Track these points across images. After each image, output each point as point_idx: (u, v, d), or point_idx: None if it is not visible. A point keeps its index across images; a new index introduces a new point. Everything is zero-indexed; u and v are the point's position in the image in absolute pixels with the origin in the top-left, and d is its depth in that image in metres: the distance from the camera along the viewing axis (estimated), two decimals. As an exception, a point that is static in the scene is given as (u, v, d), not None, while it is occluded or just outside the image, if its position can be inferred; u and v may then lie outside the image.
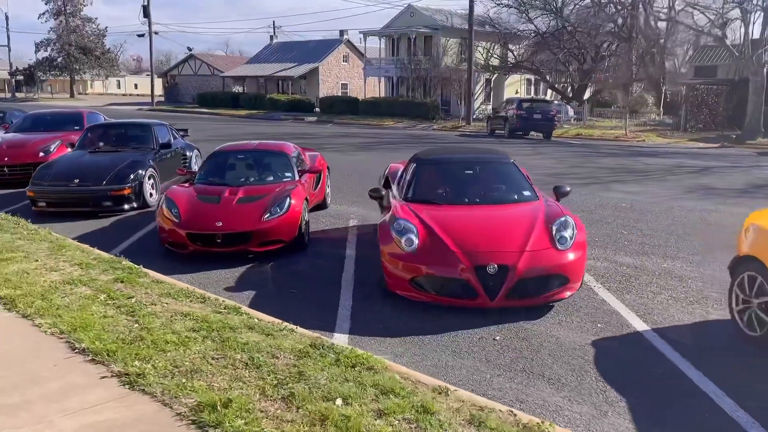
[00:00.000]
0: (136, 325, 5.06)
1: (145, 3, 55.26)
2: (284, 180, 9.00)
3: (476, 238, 6.04)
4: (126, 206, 10.68)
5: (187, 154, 13.50)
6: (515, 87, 48.71)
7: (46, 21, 79.38)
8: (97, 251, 7.48)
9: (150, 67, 57.18)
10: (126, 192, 10.57)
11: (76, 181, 10.49)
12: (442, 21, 46.48)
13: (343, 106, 45.48)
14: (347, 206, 11.35)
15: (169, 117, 39.37)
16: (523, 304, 5.91)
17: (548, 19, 43.05)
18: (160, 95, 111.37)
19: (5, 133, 15.17)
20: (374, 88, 51.23)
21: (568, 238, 6.05)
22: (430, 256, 5.96)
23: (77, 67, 78.67)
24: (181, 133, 13.98)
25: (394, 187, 8.07)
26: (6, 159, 13.25)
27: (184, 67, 70.38)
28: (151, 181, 11.22)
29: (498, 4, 43.71)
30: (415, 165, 7.56)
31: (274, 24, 64.29)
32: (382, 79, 50.17)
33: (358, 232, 9.37)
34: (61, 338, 4.81)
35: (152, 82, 57.70)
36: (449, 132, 33.72)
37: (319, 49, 55.70)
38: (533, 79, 49.91)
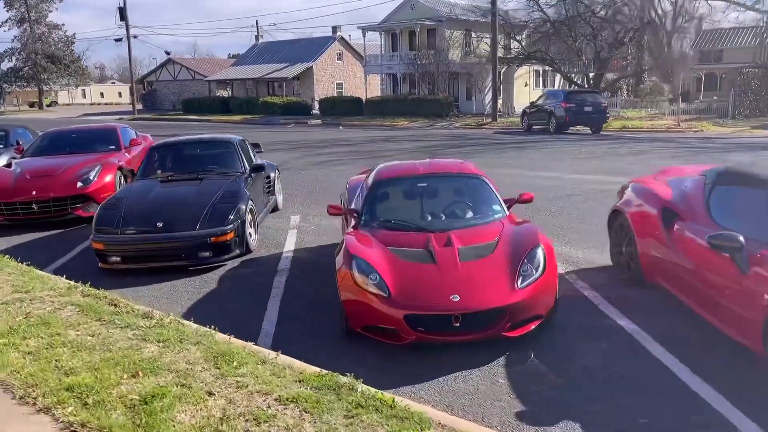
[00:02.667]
0: None
1: (122, 5, 51.62)
2: (495, 216, 6.22)
3: None
4: (226, 256, 7.79)
5: (271, 175, 10.60)
6: (524, 80, 46.38)
7: (9, 29, 75.02)
8: (282, 358, 4.60)
9: (130, 73, 53.44)
10: (229, 237, 7.68)
11: (159, 224, 7.56)
12: (446, 12, 43.86)
13: (346, 107, 42.63)
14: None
15: (157, 126, 36.09)
16: None
17: (560, 7, 40.62)
18: (128, 102, 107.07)
19: (21, 156, 12.07)
20: (370, 87, 48.47)
21: None
22: None
23: (45, 77, 74.22)
24: (255, 149, 11.06)
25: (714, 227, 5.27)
26: (33, 192, 10.19)
27: (162, 72, 66.66)
28: (250, 216, 8.34)
29: (507, -8, 41.14)
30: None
31: (257, 23, 61.14)
32: (382, 77, 47.49)
33: (588, 284, 6.61)
34: None
35: (132, 88, 54.02)
36: (478, 129, 31.13)
37: (312, 47, 52.66)
38: (541, 71, 47.62)
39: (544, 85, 48.42)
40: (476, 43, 45.60)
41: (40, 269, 7.45)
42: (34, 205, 10.14)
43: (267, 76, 51.20)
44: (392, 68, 44.55)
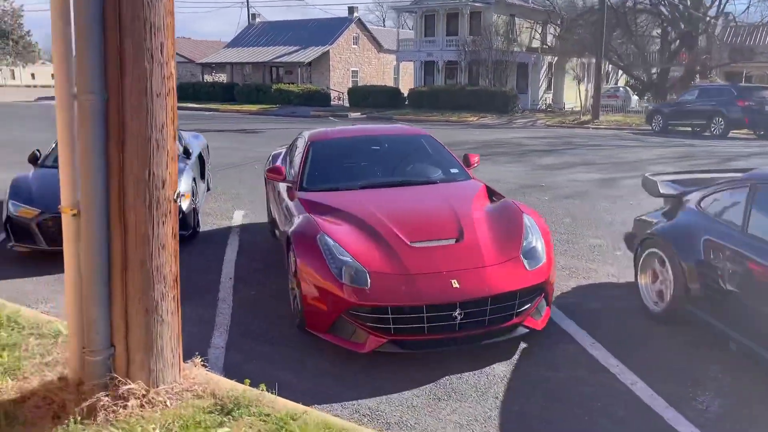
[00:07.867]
0: None
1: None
2: None
3: None
4: None
5: None
6: (572, 73, 41.95)
7: (-53, -2, 64.87)
8: None
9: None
10: None
11: None
12: (490, -5, 38.95)
13: (382, 99, 36.95)
14: None
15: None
16: None
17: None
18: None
19: (301, 188, 6.26)
20: (386, 76, 43.00)
21: None
22: None
23: (-12, 55, 64.95)
24: None
25: None
26: (455, 283, 4.57)
27: (133, 53, 58.72)
28: None
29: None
30: None
31: (248, 2, 54.20)
32: (411, 65, 42.18)
33: None
34: None
35: (112, 71, 46.32)
36: (582, 129, 26.35)
37: (324, 30, 46.47)
38: (587, 64, 43.31)
39: (588, 81, 44.22)
40: (519, 30, 40.96)
41: None
42: (456, 312, 4.52)
43: (276, 60, 44.76)
44: (432, 55, 39.22)
